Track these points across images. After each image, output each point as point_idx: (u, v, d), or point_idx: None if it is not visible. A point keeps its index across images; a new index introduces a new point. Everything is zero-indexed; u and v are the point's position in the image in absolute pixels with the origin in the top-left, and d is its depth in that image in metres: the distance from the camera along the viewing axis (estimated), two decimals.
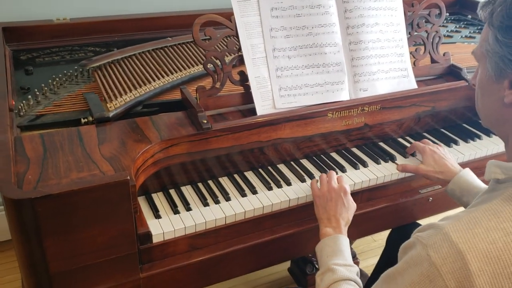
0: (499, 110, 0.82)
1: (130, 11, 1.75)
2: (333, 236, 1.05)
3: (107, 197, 0.89)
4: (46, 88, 1.30)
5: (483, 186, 1.16)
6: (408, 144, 1.40)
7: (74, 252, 0.91)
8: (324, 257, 1.02)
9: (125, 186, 0.89)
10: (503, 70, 0.78)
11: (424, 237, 0.75)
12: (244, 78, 1.22)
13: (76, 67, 1.42)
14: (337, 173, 1.25)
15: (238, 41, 1.19)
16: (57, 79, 1.35)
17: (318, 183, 1.16)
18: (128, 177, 0.89)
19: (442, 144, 1.38)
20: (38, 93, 1.27)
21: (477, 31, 2.05)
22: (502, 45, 0.77)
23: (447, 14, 2.25)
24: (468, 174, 1.19)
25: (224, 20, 1.17)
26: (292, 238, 1.18)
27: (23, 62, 1.48)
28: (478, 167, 1.34)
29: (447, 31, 2.01)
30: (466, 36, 1.96)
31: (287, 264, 1.81)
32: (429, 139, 1.43)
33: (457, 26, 2.09)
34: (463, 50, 1.78)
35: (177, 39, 1.60)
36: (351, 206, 1.13)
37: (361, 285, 0.97)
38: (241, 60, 1.21)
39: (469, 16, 2.23)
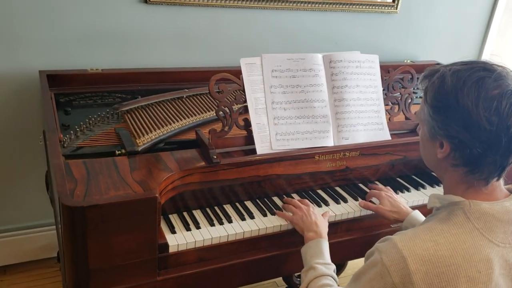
0: (435, 160, 1.08)
1: (153, 65, 2.05)
2: (315, 240, 1.30)
3: (139, 210, 1.14)
4: (83, 126, 1.57)
5: None
6: (381, 186, 1.66)
7: (109, 253, 1.15)
8: (308, 257, 1.27)
9: (154, 202, 1.15)
10: (434, 135, 1.04)
11: (380, 246, 1.01)
12: (247, 124, 1.50)
13: (107, 110, 1.70)
14: (320, 207, 1.51)
15: (245, 94, 1.48)
16: (93, 118, 1.63)
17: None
18: (157, 195, 1.15)
19: (390, 189, 1.61)
20: (77, 129, 1.55)
21: None
22: (432, 119, 1.03)
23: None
24: (418, 214, 1.44)
25: (234, 78, 1.47)
26: (283, 257, 1.42)
27: (62, 104, 1.76)
28: None
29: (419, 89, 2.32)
30: None
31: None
32: (400, 183, 1.70)
33: None
34: None
35: (193, 90, 1.89)
36: (323, 218, 1.39)
37: (337, 279, 1.21)
38: (245, 109, 1.49)
39: None
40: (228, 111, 1.47)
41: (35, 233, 2.16)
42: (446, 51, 2.77)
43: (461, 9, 2.71)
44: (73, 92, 1.85)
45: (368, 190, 1.62)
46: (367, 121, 1.63)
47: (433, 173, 1.78)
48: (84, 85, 1.89)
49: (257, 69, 1.51)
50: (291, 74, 1.54)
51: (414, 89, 1.81)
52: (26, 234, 2.14)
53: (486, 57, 2.94)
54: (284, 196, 1.55)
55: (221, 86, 1.46)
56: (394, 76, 1.72)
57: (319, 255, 1.26)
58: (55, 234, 2.17)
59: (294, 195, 1.57)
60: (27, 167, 2.05)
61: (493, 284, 0.94)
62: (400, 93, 1.73)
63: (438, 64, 2.40)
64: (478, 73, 0.98)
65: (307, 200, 1.47)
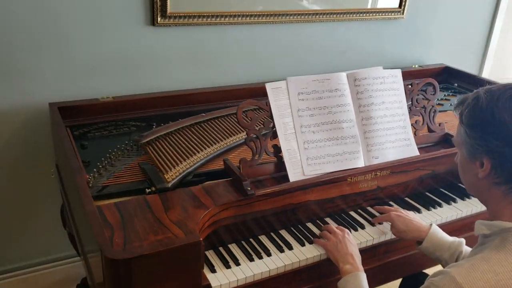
0: (476, 183, 1.08)
1: (164, 88, 2.00)
2: (353, 273, 1.26)
3: (184, 256, 1.09)
4: (105, 162, 1.51)
5: (451, 239, 1.38)
6: (413, 203, 1.63)
7: None
8: None
9: (198, 246, 1.10)
10: (473, 154, 1.04)
11: (436, 280, 0.98)
12: (277, 150, 1.45)
13: (126, 142, 1.64)
14: (356, 230, 1.47)
15: (272, 119, 1.44)
16: (113, 153, 1.57)
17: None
18: (201, 239, 1.10)
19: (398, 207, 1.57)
20: (100, 166, 1.48)
21: None
22: (469, 137, 1.04)
23: None
24: (437, 230, 1.40)
25: (261, 104, 1.43)
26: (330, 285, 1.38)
27: (77, 137, 1.70)
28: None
29: (438, 99, 2.30)
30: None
31: None
32: (430, 197, 1.67)
33: (446, 95, 2.38)
34: (453, 117, 2.05)
35: (210, 114, 1.84)
36: (355, 243, 1.35)
37: None
38: (274, 135, 1.45)
39: (455, 84, 2.54)
40: (257, 138, 1.42)
41: (52, 267, 2.09)
42: (453, 54, 2.76)
43: (465, 12, 2.70)
44: (86, 123, 1.79)
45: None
46: (394, 137, 1.60)
47: (461, 185, 1.76)
48: (97, 115, 1.82)
49: (283, 93, 1.46)
50: (317, 95, 1.50)
51: (438, 100, 1.79)
52: (43, 270, 2.07)
53: (490, 58, 2.94)
54: (318, 221, 1.51)
55: (249, 114, 1.42)
56: (417, 89, 1.68)
57: None
58: (72, 268, 2.12)
59: (327, 219, 1.53)
60: (39, 202, 1.98)
61: None
62: (424, 106, 1.70)
63: (446, 67, 2.39)
64: (510, 90, 1.01)
65: (342, 227, 1.43)
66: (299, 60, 2.29)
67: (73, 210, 1.62)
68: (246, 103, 1.41)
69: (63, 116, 1.75)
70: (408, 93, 1.66)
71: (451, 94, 2.40)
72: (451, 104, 2.23)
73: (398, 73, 1.64)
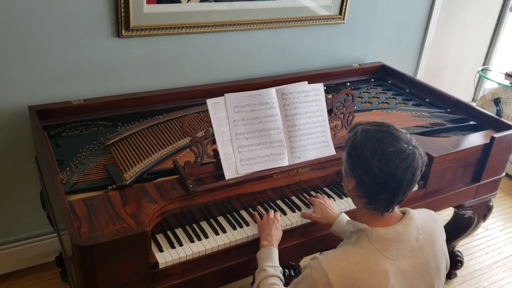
0: (348, 192, 1.45)
1: (129, 91, 2.31)
2: (268, 247, 1.64)
3: (135, 242, 1.45)
4: (76, 161, 1.85)
5: None
6: (330, 192, 2.01)
7: (113, 275, 1.46)
8: (261, 261, 1.61)
9: (146, 235, 1.46)
10: (347, 173, 1.41)
11: (311, 263, 1.36)
12: (216, 154, 1.80)
13: (94, 142, 1.97)
14: (280, 216, 1.85)
15: (212, 129, 1.78)
16: (83, 152, 1.90)
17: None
18: (148, 229, 1.46)
19: (325, 197, 1.94)
20: (71, 164, 1.82)
21: (392, 96, 2.71)
22: (345, 161, 1.41)
23: (372, 79, 2.92)
24: (344, 217, 1.78)
25: (204, 117, 1.77)
26: (251, 261, 1.76)
27: (53, 137, 2.01)
28: None
29: (368, 97, 2.66)
30: (382, 102, 2.61)
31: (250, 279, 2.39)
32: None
33: (377, 92, 2.74)
34: (377, 117, 2.41)
35: (167, 116, 2.18)
36: (280, 230, 1.74)
37: (283, 279, 1.56)
38: (214, 141, 1.79)
39: (389, 81, 2.89)
40: (200, 144, 1.76)
41: (33, 242, 2.44)
42: (390, 52, 3.11)
43: (402, 14, 3.03)
44: (60, 123, 2.10)
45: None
46: (315, 140, 1.96)
47: None
48: (70, 115, 2.13)
49: (221, 107, 1.80)
50: (250, 108, 1.84)
51: (369, 97, 2.12)
52: (26, 244, 2.42)
53: (426, 54, 3.29)
54: (250, 209, 1.88)
55: (193, 125, 1.76)
56: (337, 99, 2.04)
57: (269, 260, 1.60)
58: (51, 242, 2.48)
59: (258, 207, 1.90)
60: (22, 187, 2.31)
61: None
62: (343, 113, 2.06)
63: (382, 65, 2.78)
64: (380, 133, 1.33)
65: (278, 214, 1.79)
66: (250, 63, 2.61)
67: (50, 196, 1.96)
68: (191, 116, 1.75)
69: (40, 117, 2.05)
70: (329, 103, 2.01)
71: (382, 91, 2.76)
72: (378, 103, 2.59)
73: (320, 86, 1.98)
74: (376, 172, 1.30)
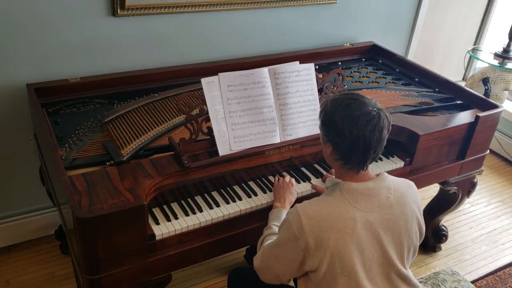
0: (327, 157, 1.57)
1: (125, 69, 2.36)
2: (278, 209, 1.77)
3: (132, 215, 1.53)
4: (75, 138, 1.91)
5: None
6: (319, 168, 2.09)
7: (112, 246, 1.54)
8: (270, 220, 1.74)
9: (143, 208, 1.54)
10: (324, 140, 1.54)
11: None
12: (210, 131, 1.87)
13: (92, 120, 2.03)
14: (271, 191, 1.93)
15: (207, 107, 1.84)
16: (81, 129, 1.96)
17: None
18: (145, 203, 1.54)
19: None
20: (70, 141, 1.88)
21: (382, 76, 2.77)
22: (321, 129, 1.53)
23: (363, 59, 2.98)
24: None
25: (199, 96, 1.83)
26: (242, 234, 1.85)
27: (51, 114, 2.07)
28: None
29: (359, 76, 2.72)
30: (372, 82, 2.68)
31: (243, 251, 2.49)
32: None
33: (368, 71, 2.80)
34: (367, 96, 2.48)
35: (162, 94, 2.23)
36: (294, 194, 1.88)
37: None
38: (208, 119, 1.86)
39: (380, 61, 2.95)
40: (194, 122, 1.83)
41: (33, 216, 2.52)
42: (382, 32, 3.15)
43: None
44: (58, 101, 2.16)
45: (308, 173, 2.05)
46: (306, 118, 2.03)
47: None
48: (67, 93, 2.19)
49: (216, 86, 1.86)
50: (243, 87, 1.90)
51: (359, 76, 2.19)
52: (26, 218, 2.50)
53: (417, 34, 3.34)
54: (243, 184, 1.96)
55: (187, 103, 1.82)
56: (327, 78, 2.10)
57: (277, 220, 1.72)
58: (51, 216, 2.56)
59: (250, 182, 1.98)
60: (21, 163, 2.38)
61: (356, 234, 1.42)
62: (333, 92, 2.13)
63: (374, 45, 2.87)
64: (347, 100, 1.47)
65: (293, 180, 1.93)
66: (244, 41, 2.66)
67: (50, 172, 2.03)
68: (186, 94, 1.81)
69: (39, 95, 2.11)
70: (320, 82, 2.08)
71: (372, 70, 2.82)
72: (368, 82, 2.66)
73: (311, 66, 2.04)
74: (347, 134, 1.43)
